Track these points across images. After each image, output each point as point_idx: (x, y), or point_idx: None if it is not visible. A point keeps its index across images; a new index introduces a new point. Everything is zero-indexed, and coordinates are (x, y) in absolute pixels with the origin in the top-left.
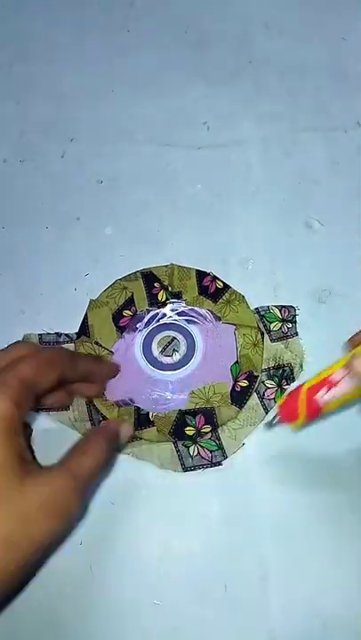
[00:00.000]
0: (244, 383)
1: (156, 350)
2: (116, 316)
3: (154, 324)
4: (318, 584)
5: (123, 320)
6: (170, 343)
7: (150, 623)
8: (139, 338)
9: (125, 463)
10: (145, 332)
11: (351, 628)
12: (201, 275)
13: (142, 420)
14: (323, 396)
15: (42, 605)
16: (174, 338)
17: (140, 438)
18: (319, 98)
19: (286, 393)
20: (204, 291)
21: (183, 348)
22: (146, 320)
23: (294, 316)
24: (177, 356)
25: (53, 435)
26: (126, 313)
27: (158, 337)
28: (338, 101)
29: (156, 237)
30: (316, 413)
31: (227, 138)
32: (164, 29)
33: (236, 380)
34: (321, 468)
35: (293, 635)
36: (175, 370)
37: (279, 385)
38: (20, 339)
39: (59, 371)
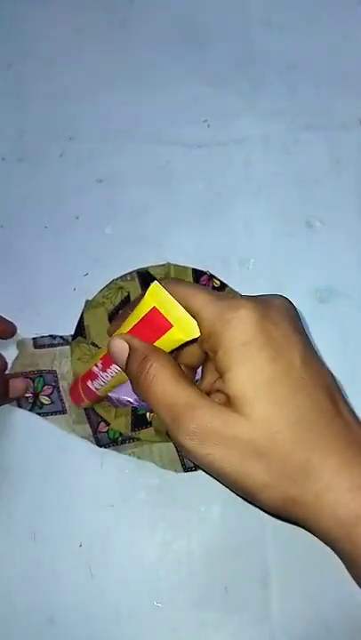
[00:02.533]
0: None
1: None
2: (113, 317)
3: None
4: (318, 584)
5: None
6: None
7: (150, 625)
8: None
9: (125, 464)
10: None
11: (351, 629)
12: (198, 273)
13: (139, 421)
14: (92, 385)
15: (41, 607)
16: None
17: (138, 439)
18: (320, 96)
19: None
20: None
21: None
22: None
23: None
24: None
25: (52, 439)
26: None
27: None
28: (339, 99)
29: (156, 237)
30: (94, 397)
31: (227, 136)
32: (164, 27)
33: None
34: None
35: (294, 636)
36: None
37: None
38: (25, 337)
39: None
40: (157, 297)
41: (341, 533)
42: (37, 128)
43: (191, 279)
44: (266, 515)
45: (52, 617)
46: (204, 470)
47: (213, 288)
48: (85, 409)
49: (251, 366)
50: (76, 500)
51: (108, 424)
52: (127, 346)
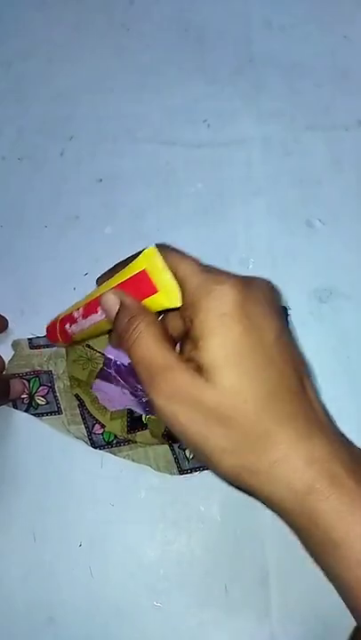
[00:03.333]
0: None
1: None
2: None
3: None
4: (318, 584)
5: None
6: None
7: (151, 625)
8: None
9: (125, 464)
10: None
11: (351, 628)
12: None
13: (135, 423)
14: (69, 328)
15: (41, 606)
16: None
17: (135, 441)
18: (320, 96)
19: (54, 317)
20: None
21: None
22: None
23: (287, 316)
24: None
25: (52, 439)
26: None
27: None
28: (339, 100)
29: (155, 236)
30: (68, 339)
31: (227, 136)
32: (164, 27)
33: None
34: None
35: (294, 635)
36: None
37: None
38: (20, 338)
39: None
40: (150, 260)
41: (294, 504)
42: (37, 128)
43: None
44: (266, 514)
45: (52, 617)
46: (201, 469)
47: None
48: (80, 409)
49: (224, 336)
50: (76, 500)
51: (103, 426)
52: (119, 301)
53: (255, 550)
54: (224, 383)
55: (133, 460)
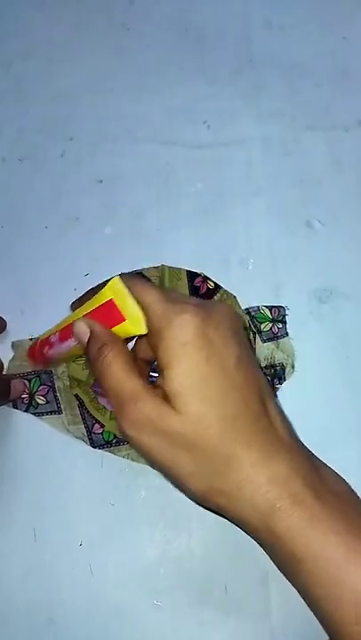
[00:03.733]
0: None
1: None
2: None
3: None
4: None
5: None
6: None
7: (151, 624)
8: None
9: (125, 464)
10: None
11: None
12: (192, 275)
13: None
14: (48, 352)
15: (41, 606)
16: None
17: None
18: (320, 96)
19: (36, 339)
20: (195, 291)
21: None
22: None
23: (284, 315)
24: None
25: (52, 439)
26: None
27: None
28: (339, 100)
29: (156, 237)
30: (47, 362)
31: (227, 137)
32: (164, 27)
33: None
34: None
35: (294, 635)
36: None
37: (271, 384)
38: (20, 338)
39: None
40: (115, 290)
41: (259, 522)
42: (38, 128)
43: (185, 281)
44: None
45: (52, 617)
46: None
47: (208, 289)
48: (80, 409)
49: (187, 365)
50: (76, 500)
51: (102, 426)
52: (88, 330)
53: (255, 550)
54: (188, 410)
55: (133, 460)
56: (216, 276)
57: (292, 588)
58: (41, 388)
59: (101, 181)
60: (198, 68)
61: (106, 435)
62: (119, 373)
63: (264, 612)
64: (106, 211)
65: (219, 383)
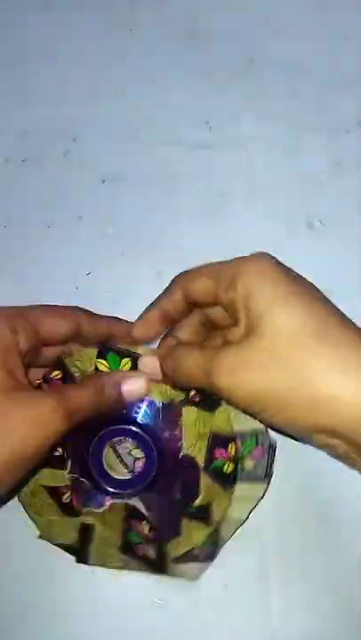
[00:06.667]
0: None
1: None
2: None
3: None
4: (318, 583)
5: None
6: None
7: (151, 622)
8: None
9: None
10: None
11: (351, 629)
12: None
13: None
14: None
15: (41, 606)
16: None
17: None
18: (321, 97)
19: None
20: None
21: None
22: None
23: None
24: None
25: None
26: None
27: None
28: (340, 101)
29: (157, 237)
30: None
31: (229, 137)
32: (165, 28)
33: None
34: (319, 469)
35: (294, 635)
36: None
37: None
38: None
39: (71, 321)
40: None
41: None
42: (41, 129)
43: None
44: (266, 513)
45: (52, 614)
46: None
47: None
48: None
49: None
50: None
51: None
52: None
53: (255, 549)
54: (271, 331)
55: None
56: None
57: (293, 588)
58: None
59: (104, 181)
60: (200, 69)
61: None
62: (189, 361)
63: (264, 611)
64: (108, 211)
65: (305, 296)
